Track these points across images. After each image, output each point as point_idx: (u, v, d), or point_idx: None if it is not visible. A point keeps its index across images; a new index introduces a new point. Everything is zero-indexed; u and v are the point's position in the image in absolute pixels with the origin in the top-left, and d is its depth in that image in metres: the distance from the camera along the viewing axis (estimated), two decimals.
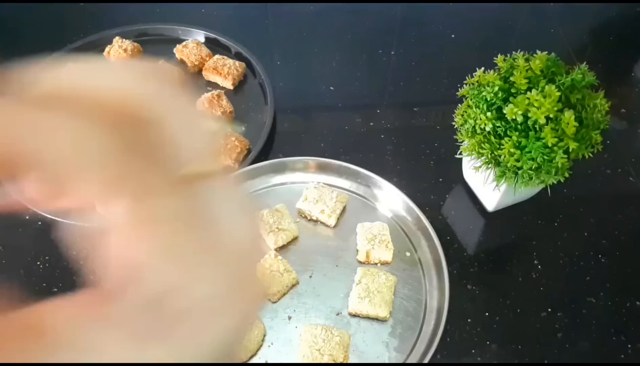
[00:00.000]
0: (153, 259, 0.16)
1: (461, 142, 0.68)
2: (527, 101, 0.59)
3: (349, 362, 0.63)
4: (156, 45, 0.98)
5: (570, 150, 0.59)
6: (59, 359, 0.15)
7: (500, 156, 0.63)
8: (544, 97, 0.59)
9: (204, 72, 0.93)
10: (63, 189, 0.16)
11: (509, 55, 0.66)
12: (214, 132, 0.18)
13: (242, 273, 0.18)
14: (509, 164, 0.62)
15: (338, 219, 0.75)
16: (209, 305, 0.17)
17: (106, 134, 0.16)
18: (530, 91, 0.60)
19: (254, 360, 0.64)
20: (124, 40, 0.95)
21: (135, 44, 0.95)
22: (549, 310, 0.69)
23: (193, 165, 0.17)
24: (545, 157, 0.60)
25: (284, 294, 0.68)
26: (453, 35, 1.04)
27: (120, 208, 0.16)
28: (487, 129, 0.63)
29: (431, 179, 0.81)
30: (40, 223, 0.76)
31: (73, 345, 0.15)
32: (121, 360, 0.15)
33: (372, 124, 0.89)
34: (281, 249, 0.72)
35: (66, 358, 0.15)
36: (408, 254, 0.73)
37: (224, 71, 0.91)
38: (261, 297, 0.19)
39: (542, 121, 0.58)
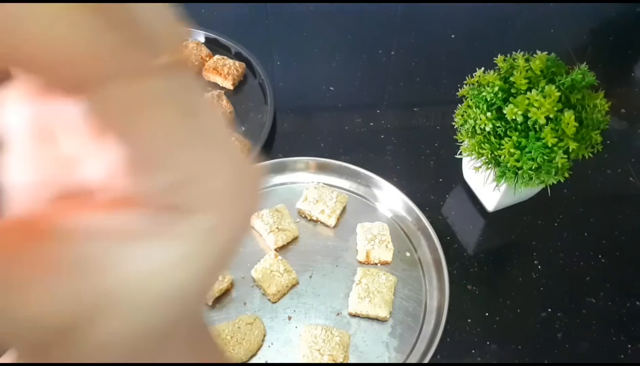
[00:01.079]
0: (163, 146, 0.14)
1: (461, 142, 0.68)
2: (527, 101, 0.59)
3: (349, 362, 0.63)
4: None
5: (570, 150, 0.59)
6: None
7: (500, 156, 0.63)
8: (544, 97, 0.59)
9: (204, 73, 0.93)
10: (55, 77, 0.13)
11: (509, 55, 0.67)
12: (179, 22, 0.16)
13: (243, 165, 0.16)
14: (509, 164, 0.62)
15: (338, 219, 0.75)
16: (221, 198, 0.15)
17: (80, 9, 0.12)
18: (530, 91, 0.60)
19: (254, 360, 0.64)
20: None
21: None
22: (549, 310, 0.69)
23: (167, 52, 0.14)
24: (545, 157, 0.60)
25: (284, 294, 0.68)
26: (453, 36, 1.04)
27: (112, 89, 0.13)
28: (487, 129, 0.63)
29: (431, 179, 0.81)
30: None
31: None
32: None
33: (372, 124, 0.89)
34: (281, 249, 0.72)
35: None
36: (408, 254, 0.73)
37: (224, 71, 0.91)
38: (257, 198, 0.17)
39: (542, 121, 0.58)
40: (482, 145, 0.64)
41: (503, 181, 0.66)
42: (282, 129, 0.88)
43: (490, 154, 0.64)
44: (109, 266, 0.14)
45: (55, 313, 0.13)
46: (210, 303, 0.67)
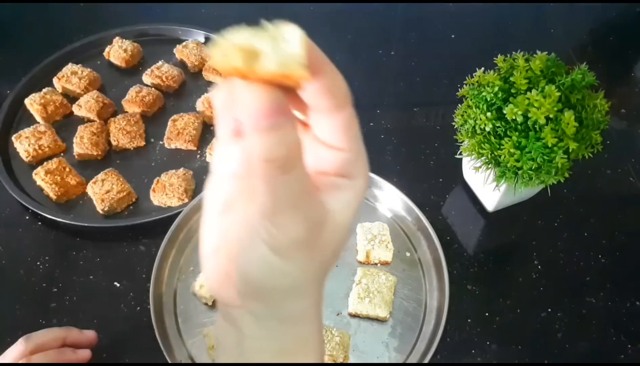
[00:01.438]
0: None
1: (461, 142, 0.68)
2: (527, 101, 0.59)
3: (349, 362, 0.63)
4: (156, 46, 0.98)
5: (570, 150, 0.59)
6: None
7: (500, 156, 0.63)
8: (544, 97, 0.59)
9: (204, 73, 0.93)
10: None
11: (509, 55, 0.66)
12: None
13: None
14: (509, 165, 0.62)
15: None
16: (364, 169, 0.29)
17: None
18: (530, 91, 0.60)
19: None
20: (123, 40, 0.95)
21: (135, 44, 0.95)
22: (549, 310, 0.69)
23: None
24: (545, 157, 0.60)
25: None
26: (453, 36, 1.04)
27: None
28: (487, 129, 0.63)
29: (431, 179, 0.81)
30: (40, 223, 0.76)
31: None
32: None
33: (372, 124, 0.89)
34: None
35: None
36: (408, 254, 0.73)
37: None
38: None
39: (542, 121, 0.58)
40: (482, 145, 0.64)
41: (503, 181, 0.66)
42: None
43: (490, 154, 0.64)
44: (327, 202, 0.26)
45: (315, 217, 0.25)
46: (210, 303, 0.67)
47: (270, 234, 0.24)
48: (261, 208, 0.24)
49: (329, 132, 0.26)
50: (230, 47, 0.20)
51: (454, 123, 0.69)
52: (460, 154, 0.70)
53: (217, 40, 0.21)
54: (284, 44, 0.21)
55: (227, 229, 0.28)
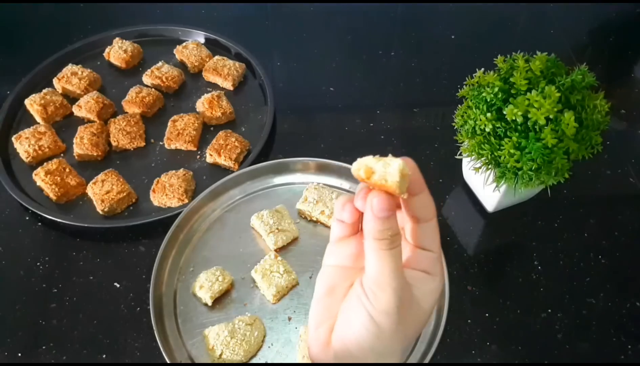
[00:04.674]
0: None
1: (461, 143, 0.68)
2: (527, 102, 0.59)
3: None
4: (156, 47, 0.98)
5: (570, 151, 0.59)
6: None
7: (500, 157, 0.63)
8: (544, 98, 0.59)
9: (204, 73, 0.93)
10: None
11: (508, 55, 0.66)
12: None
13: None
14: (509, 165, 0.62)
15: None
16: (440, 269, 0.37)
17: None
18: (530, 92, 0.60)
19: (254, 361, 0.64)
20: (124, 41, 0.95)
21: (135, 45, 0.95)
22: (549, 310, 0.69)
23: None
24: (545, 158, 0.60)
25: (284, 295, 0.68)
26: (453, 36, 1.04)
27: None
28: (487, 129, 0.63)
29: (431, 180, 0.81)
30: (40, 223, 0.76)
31: None
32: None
33: (372, 124, 0.89)
34: (281, 250, 0.72)
35: None
36: None
37: (224, 72, 0.91)
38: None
39: (542, 121, 0.58)
40: (482, 146, 0.64)
41: (503, 181, 0.66)
42: (282, 130, 0.88)
43: (490, 155, 0.64)
44: (416, 287, 0.35)
45: (404, 296, 0.34)
46: (210, 304, 0.67)
47: (370, 300, 0.33)
48: (368, 275, 0.33)
49: (420, 236, 0.36)
50: (360, 165, 0.33)
51: (453, 124, 0.69)
52: (460, 154, 0.70)
53: (358, 160, 0.34)
54: (389, 168, 0.32)
55: (330, 307, 0.36)
